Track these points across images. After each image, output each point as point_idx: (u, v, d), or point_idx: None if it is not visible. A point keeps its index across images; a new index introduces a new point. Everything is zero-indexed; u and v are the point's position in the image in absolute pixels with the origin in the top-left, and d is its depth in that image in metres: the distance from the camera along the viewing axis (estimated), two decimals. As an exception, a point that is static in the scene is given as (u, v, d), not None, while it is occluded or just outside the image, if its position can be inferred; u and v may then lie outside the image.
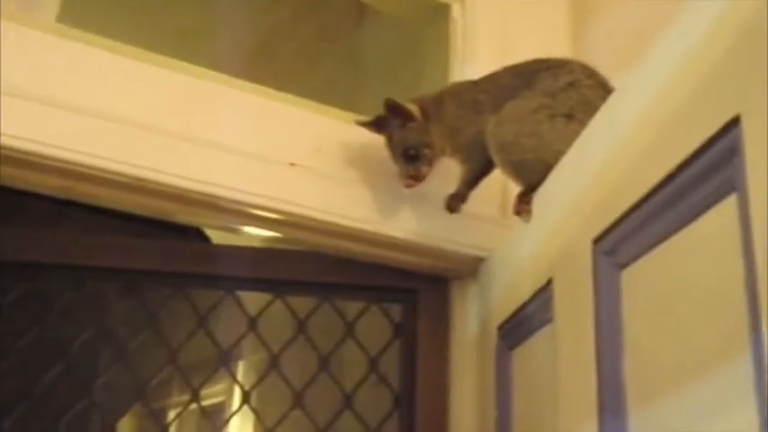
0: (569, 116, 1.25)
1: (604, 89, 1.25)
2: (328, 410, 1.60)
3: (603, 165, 1.03)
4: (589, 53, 1.61)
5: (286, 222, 1.42)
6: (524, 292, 1.26)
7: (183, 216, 1.43)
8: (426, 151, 1.40)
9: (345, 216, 1.44)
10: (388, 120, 1.41)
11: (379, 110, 1.44)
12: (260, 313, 1.62)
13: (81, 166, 1.27)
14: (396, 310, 1.63)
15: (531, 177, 1.27)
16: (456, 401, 1.53)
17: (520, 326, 1.31)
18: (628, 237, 0.97)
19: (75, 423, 1.53)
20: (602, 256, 1.02)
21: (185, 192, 1.33)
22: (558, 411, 1.09)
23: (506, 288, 1.39)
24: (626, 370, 0.95)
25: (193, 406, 1.63)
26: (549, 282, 1.17)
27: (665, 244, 0.89)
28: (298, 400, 1.58)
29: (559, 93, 1.28)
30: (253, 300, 1.64)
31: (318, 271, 1.57)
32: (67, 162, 1.26)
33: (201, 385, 1.62)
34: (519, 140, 1.28)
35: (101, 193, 1.33)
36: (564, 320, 1.12)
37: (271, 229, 1.46)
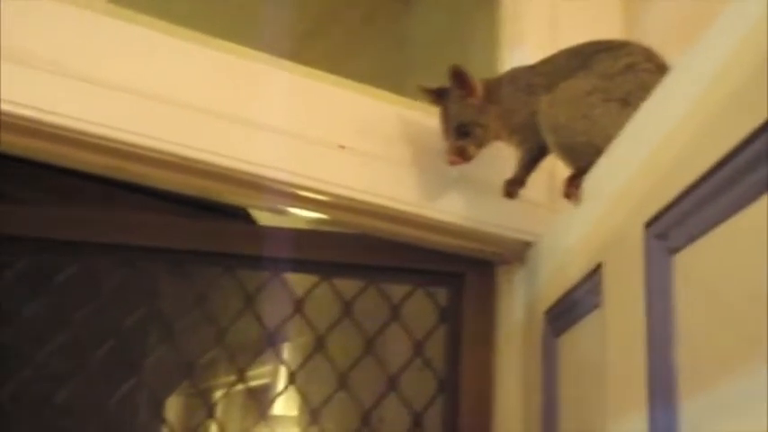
0: (624, 101, 1.23)
1: (663, 73, 1.22)
2: (373, 393, 1.61)
3: (656, 147, 1.01)
4: (642, 37, 1.58)
5: (333, 204, 1.42)
6: (572, 277, 1.25)
7: (232, 197, 1.44)
8: (479, 131, 1.38)
9: (393, 199, 1.43)
10: (449, 91, 1.40)
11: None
12: (306, 295, 1.63)
13: (129, 145, 1.28)
14: (442, 294, 1.63)
15: (582, 161, 1.25)
16: (501, 387, 1.53)
17: (567, 311, 1.29)
18: (681, 220, 0.95)
19: (125, 400, 1.56)
20: (653, 240, 1.00)
21: (234, 172, 1.34)
22: (607, 398, 1.08)
23: (554, 273, 1.38)
24: (677, 357, 0.93)
25: (239, 386, 1.65)
26: (599, 266, 1.15)
27: (720, 228, 0.87)
28: (343, 382, 1.59)
29: (616, 76, 1.26)
30: (299, 281, 1.65)
31: (365, 253, 1.58)
32: (116, 141, 1.27)
33: (248, 366, 1.64)
34: (571, 123, 1.26)
35: (149, 172, 1.34)
36: (613, 305, 1.10)
37: (318, 211, 1.46)
